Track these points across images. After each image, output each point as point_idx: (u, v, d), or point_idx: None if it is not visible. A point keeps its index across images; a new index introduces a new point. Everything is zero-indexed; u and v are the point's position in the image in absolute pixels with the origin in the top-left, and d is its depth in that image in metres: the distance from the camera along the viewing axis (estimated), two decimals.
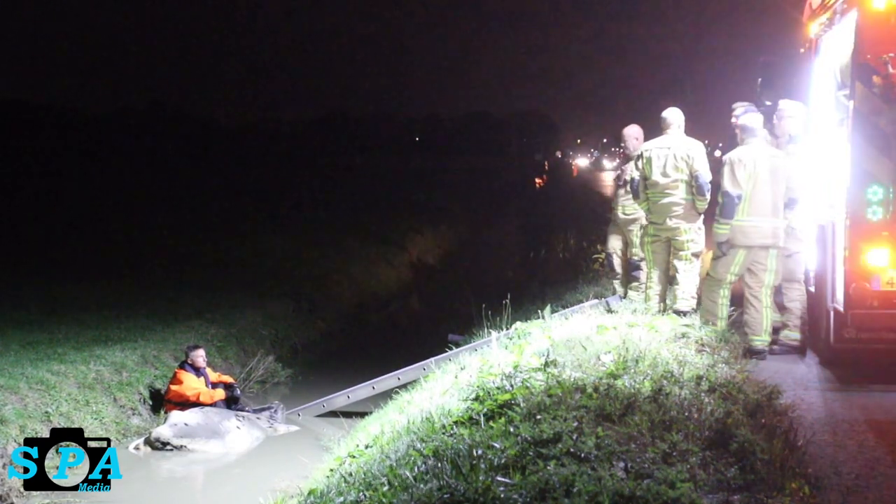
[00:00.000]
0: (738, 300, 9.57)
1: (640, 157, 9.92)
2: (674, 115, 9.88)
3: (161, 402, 12.02)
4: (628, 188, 10.29)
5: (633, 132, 10.98)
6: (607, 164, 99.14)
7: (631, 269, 10.86)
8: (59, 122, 74.75)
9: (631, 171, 10.10)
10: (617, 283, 11.37)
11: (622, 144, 11.20)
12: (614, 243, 11.26)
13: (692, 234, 9.69)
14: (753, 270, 8.93)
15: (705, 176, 9.57)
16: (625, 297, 10.78)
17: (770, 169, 8.84)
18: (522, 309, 13.02)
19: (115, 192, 37.41)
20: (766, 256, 8.88)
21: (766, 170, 8.82)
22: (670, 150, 9.70)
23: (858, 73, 7.88)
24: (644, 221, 10.32)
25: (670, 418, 5.63)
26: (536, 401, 5.98)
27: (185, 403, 11.69)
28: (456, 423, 6.23)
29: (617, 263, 11.28)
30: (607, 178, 59.19)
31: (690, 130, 10.10)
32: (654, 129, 10.31)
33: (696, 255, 9.79)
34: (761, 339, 8.92)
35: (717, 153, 27.40)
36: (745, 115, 9.27)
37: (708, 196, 9.61)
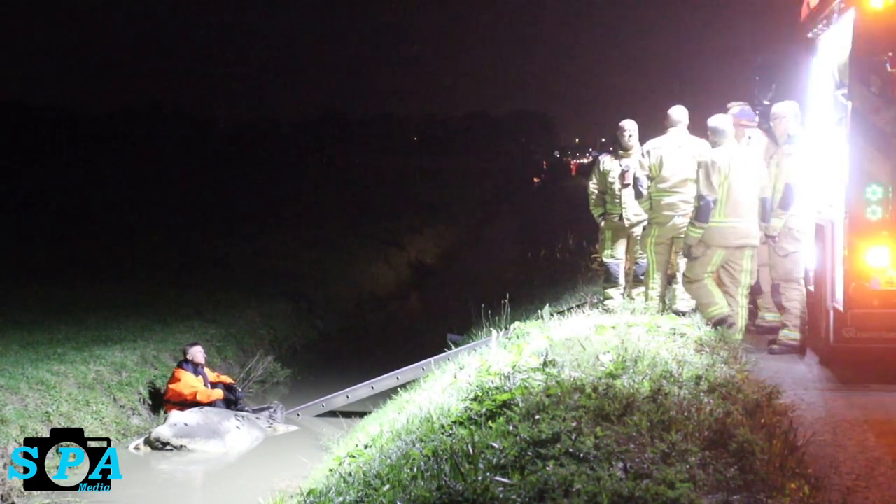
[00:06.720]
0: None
1: (647, 154, 9.77)
2: (681, 113, 9.85)
3: (161, 401, 12.03)
4: (639, 187, 9.85)
5: (631, 126, 10.64)
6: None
7: (640, 272, 10.41)
8: (58, 123, 74.75)
9: (636, 170, 9.95)
10: (614, 291, 10.61)
11: (627, 135, 10.51)
12: (619, 250, 10.68)
13: None
14: (729, 271, 8.95)
15: None
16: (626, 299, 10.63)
17: (745, 169, 8.88)
18: (521, 309, 13.03)
19: (114, 193, 37.39)
20: (741, 257, 8.91)
21: (740, 170, 8.86)
22: (681, 149, 9.67)
23: (857, 72, 7.87)
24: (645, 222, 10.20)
25: (669, 418, 5.61)
26: (535, 401, 5.97)
27: (183, 402, 11.69)
28: (455, 423, 6.23)
29: (620, 272, 10.63)
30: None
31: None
32: (651, 126, 10.26)
33: None
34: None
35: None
36: (713, 118, 9.23)
37: None
